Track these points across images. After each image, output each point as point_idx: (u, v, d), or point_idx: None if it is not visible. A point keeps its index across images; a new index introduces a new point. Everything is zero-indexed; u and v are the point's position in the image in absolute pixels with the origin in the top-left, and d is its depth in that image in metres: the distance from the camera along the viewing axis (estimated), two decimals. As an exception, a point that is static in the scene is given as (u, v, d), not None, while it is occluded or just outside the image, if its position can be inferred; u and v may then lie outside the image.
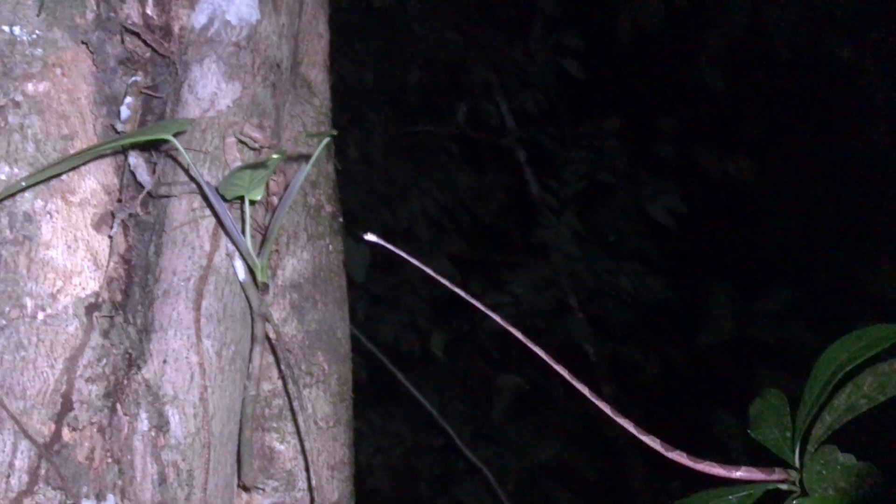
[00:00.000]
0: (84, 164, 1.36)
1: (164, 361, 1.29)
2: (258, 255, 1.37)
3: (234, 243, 1.37)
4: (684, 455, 1.32)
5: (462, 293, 1.35)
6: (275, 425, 1.58)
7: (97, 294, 1.31)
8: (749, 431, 1.25)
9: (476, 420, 5.52)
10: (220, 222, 1.38)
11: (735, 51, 5.19)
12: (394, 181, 5.86)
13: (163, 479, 1.22)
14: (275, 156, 1.21)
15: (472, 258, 5.91)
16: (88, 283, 1.31)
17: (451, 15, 5.84)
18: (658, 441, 1.32)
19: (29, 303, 1.25)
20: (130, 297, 1.36)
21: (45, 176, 1.28)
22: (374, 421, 5.57)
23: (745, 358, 4.82)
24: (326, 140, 1.40)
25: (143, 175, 1.45)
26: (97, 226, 1.36)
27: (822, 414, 1.14)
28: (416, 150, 6.02)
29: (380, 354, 4.52)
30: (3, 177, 1.31)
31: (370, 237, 1.33)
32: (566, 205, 5.42)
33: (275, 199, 1.59)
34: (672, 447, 1.36)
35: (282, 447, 1.57)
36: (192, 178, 1.41)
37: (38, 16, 1.43)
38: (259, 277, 1.36)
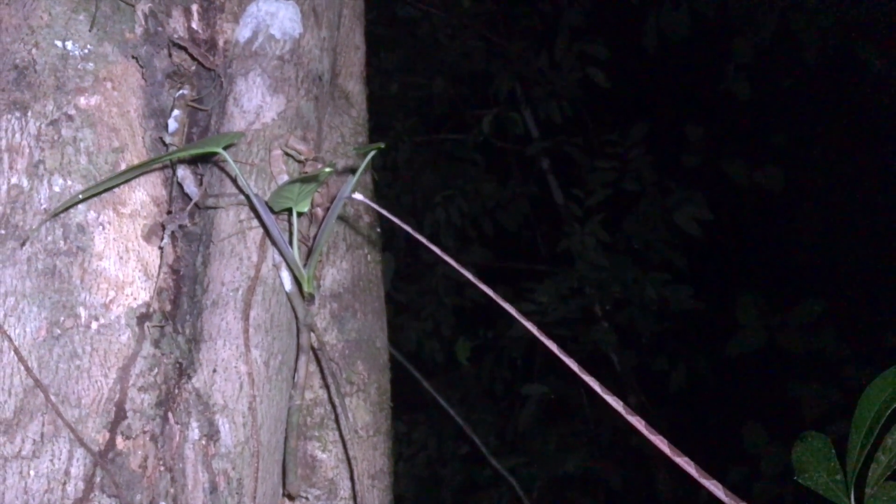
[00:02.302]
0: (136, 176, 1.38)
1: (214, 371, 1.31)
2: (304, 265, 1.38)
3: (281, 254, 1.39)
4: (720, 487, 1.29)
5: (490, 292, 1.34)
6: (317, 434, 1.60)
7: (148, 304, 1.33)
8: (796, 478, 1.23)
9: (501, 429, 5.51)
10: (267, 233, 1.40)
11: (763, 59, 5.15)
12: (419, 190, 5.90)
13: (214, 488, 1.24)
14: (326, 169, 1.23)
15: (496, 267, 5.91)
16: (139, 293, 1.33)
17: (476, 25, 5.86)
18: (693, 465, 1.28)
19: (83, 313, 1.28)
20: (180, 307, 1.39)
21: (101, 188, 1.30)
22: (399, 429, 5.59)
23: (774, 369, 4.77)
24: (372, 153, 1.42)
25: (191, 187, 1.47)
26: (147, 237, 1.39)
27: (877, 455, 1.13)
28: (441, 159, 6.04)
29: (405, 362, 4.53)
30: (58, 189, 1.34)
31: (357, 196, 1.32)
32: (591, 214, 5.41)
33: (318, 211, 1.61)
34: (708, 475, 1.31)
35: (324, 456, 1.59)
36: (241, 190, 1.43)
37: (89, 31, 1.46)
38: (305, 288, 1.38)
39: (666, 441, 1.23)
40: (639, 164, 5.35)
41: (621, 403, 1.24)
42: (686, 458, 1.23)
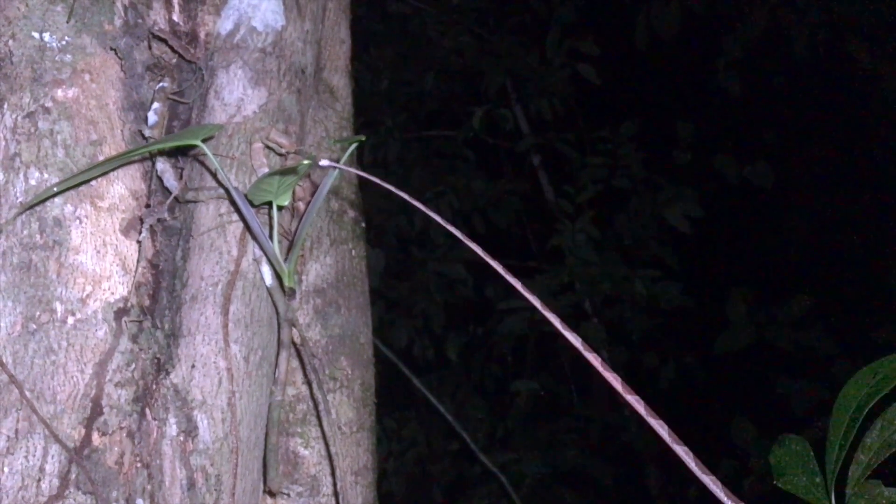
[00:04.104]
0: (114, 169, 1.37)
1: (193, 366, 1.29)
2: (285, 260, 1.37)
3: (261, 248, 1.37)
4: (719, 484, 1.25)
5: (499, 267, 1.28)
6: (299, 430, 1.59)
7: (126, 299, 1.32)
8: (775, 482, 1.22)
9: (491, 425, 5.51)
10: (247, 227, 1.39)
11: (753, 56, 5.15)
12: (409, 186, 5.87)
13: (191, 484, 1.22)
14: (305, 161, 1.21)
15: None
16: (117, 287, 1.32)
17: (467, 22, 5.85)
18: (692, 455, 1.25)
19: (59, 307, 1.26)
20: (158, 302, 1.37)
21: (77, 181, 1.28)
22: (389, 426, 5.57)
23: (763, 365, 4.78)
24: (354, 146, 1.40)
25: (171, 180, 1.46)
26: (125, 231, 1.37)
27: (856, 454, 1.12)
28: (432, 155, 6.03)
29: (395, 359, 4.52)
30: (34, 182, 1.32)
31: (324, 163, 1.29)
32: (582, 210, 5.40)
33: (300, 205, 1.60)
34: (708, 470, 1.28)
35: (306, 452, 1.57)
36: (220, 184, 1.41)
37: (67, 22, 1.44)
38: (286, 282, 1.36)
39: (666, 427, 1.19)
40: (629, 161, 5.34)
41: (620, 380, 1.21)
42: (685, 448, 1.20)
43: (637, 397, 1.07)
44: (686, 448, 1.10)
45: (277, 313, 1.40)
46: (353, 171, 1.34)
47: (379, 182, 1.23)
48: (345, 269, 1.78)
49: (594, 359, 1.05)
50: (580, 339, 1.09)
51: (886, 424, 1.11)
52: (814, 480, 1.16)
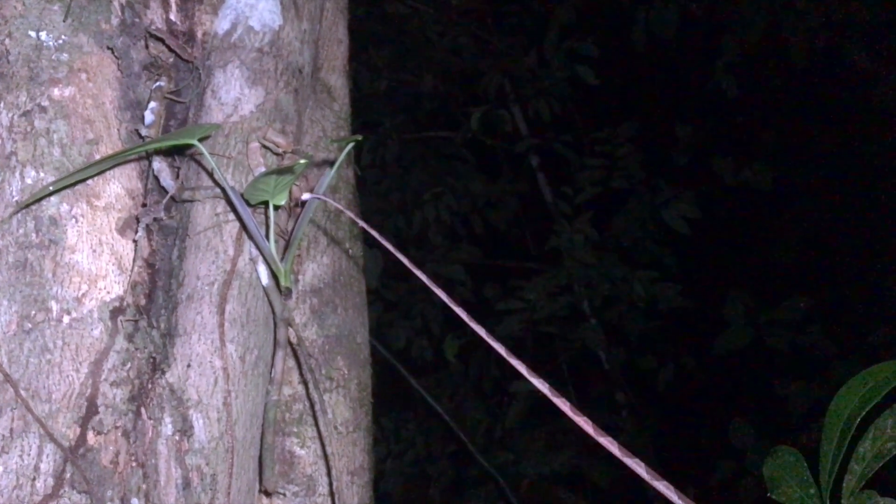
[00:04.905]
0: (110, 168, 1.37)
1: (188, 366, 1.29)
2: (281, 259, 1.37)
3: (258, 248, 1.37)
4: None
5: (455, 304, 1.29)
6: (295, 430, 1.58)
7: (122, 298, 1.31)
8: (769, 494, 1.22)
9: (489, 426, 5.50)
10: (244, 227, 1.39)
11: (751, 58, 5.16)
12: (407, 187, 5.87)
13: (187, 484, 1.22)
14: (301, 161, 1.21)
15: (485, 265, 5.90)
16: (113, 287, 1.32)
17: (465, 22, 5.85)
18: (674, 489, 1.23)
19: (54, 306, 1.26)
20: (154, 302, 1.37)
21: (73, 180, 1.28)
22: (387, 426, 5.57)
23: (761, 366, 4.78)
24: (350, 146, 1.40)
25: (167, 180, 1.46)
26: (122, 230, 1.37)
27: (850, 464, 1.12)
28: (430, 156, 6.02)
29: (393, 360, 4.52)
30: (30, 181, 1.32)
31: (306, 196, 1.29)
32: (580, 211, 5.40)
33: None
34: (691, 501, 1.25)
35: (302, 452, 1.57)
36: (217, 183, 1.41)
37: (64, 21, 1.44)
38: (282, 282, 1.36)
39: (643, 465, 1.18)
40: (628, 162, 5.35)
41: (591, 424, 1.20)
42: (666, 483, 1.18)
43: (610, 438, 1.05)
44: (667, 483, 1.09)
45: (274, 313, 1.40)
46: (330, 200, 1.34)
47: (351, 215, 1.22)
48: (341, 268, 1.78)
49: (562, 403, 1.04)
50: (546, 384, 1.07)
51: (878, 434, 1.11)
52: (808, 492, 1.16)
